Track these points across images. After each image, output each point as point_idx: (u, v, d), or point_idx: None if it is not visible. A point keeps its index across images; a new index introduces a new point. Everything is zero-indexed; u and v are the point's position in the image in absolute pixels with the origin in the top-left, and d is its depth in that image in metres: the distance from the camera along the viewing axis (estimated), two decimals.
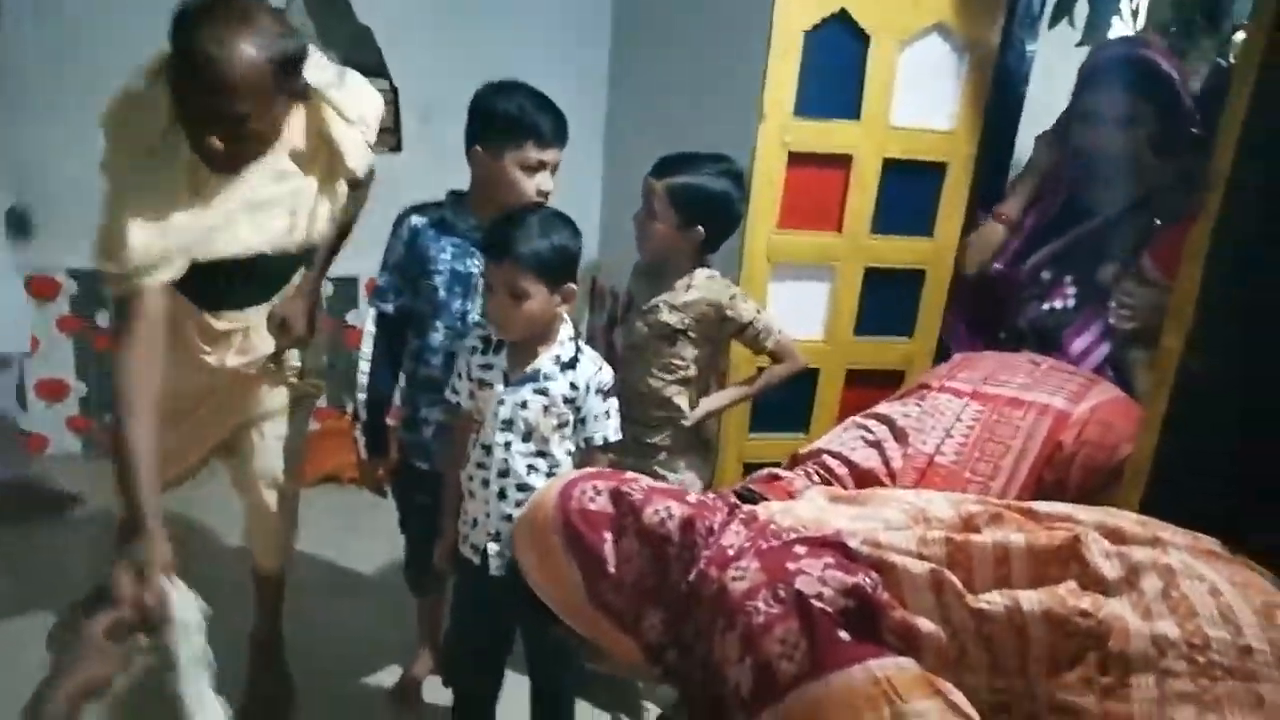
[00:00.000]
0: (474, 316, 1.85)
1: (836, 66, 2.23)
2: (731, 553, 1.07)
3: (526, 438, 1.63)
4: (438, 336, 1.85)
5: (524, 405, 1.62)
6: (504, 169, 1.77)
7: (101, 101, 1.56)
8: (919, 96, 2.31)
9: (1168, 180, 2.04)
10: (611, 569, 1.11)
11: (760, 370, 2.10)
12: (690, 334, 1.91)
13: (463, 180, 1.89)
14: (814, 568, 1.01)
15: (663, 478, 1.96)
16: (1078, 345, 2.04)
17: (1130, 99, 2.04)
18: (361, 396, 1.97)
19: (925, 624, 0.96)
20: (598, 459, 1.69)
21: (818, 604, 0.97)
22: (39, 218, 2.98)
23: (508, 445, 1.63)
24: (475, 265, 1.83)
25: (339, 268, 2.87)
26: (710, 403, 2.00)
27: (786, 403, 2.39)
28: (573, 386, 1.63)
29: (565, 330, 1.66)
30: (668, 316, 1.90)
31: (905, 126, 2.32)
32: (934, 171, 2.39)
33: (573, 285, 1.61)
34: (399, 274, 1.88)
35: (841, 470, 1.67)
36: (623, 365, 1.93)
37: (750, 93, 2.19)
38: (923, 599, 0.98)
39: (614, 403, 1.69)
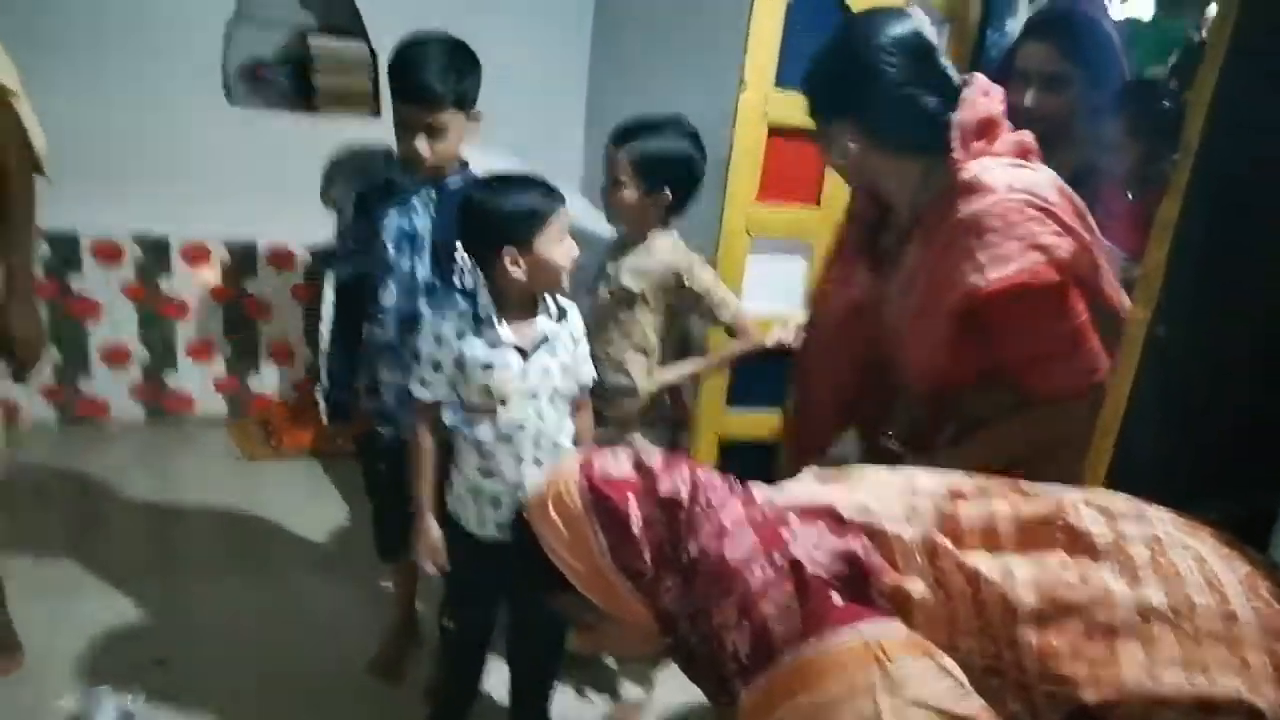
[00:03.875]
0: (423, 274, 1.83)
1: (819, 37, 2.22)
2: (729, 525, 1.08)
3: (552, 399, 1.65)
4: (390, 297, 1.85)
5: (545, 372, 1.63)
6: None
7: None
8: None
9: (1103, 153, 1.88)
10: (635, 531, 1.11)
11: None
12: (648, 299, 1.91)
13: None
14: (808, 535, 1.03)
15: None
16: None
17: (1058, 58, 1.85)
18: (324, 363, 2.01)
19: (916, 587, 0.98)
20: (587, 403, 1.76)
21: (811, 568, 0.99)
22: None
23: (540, 415, 1.63)
24: (420, 224, 1.82)
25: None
26: (665, 374, 1.98)
27: (765, 377, 2.39)
28: (573, 338, 1.68)
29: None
30: (629, 281, 1.90)
31: None
32: None
33: None
34: (351, 237, 1.90)
35: None
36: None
37: (733, 61, 2.18)
38: (915, 563, 1.00)
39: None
